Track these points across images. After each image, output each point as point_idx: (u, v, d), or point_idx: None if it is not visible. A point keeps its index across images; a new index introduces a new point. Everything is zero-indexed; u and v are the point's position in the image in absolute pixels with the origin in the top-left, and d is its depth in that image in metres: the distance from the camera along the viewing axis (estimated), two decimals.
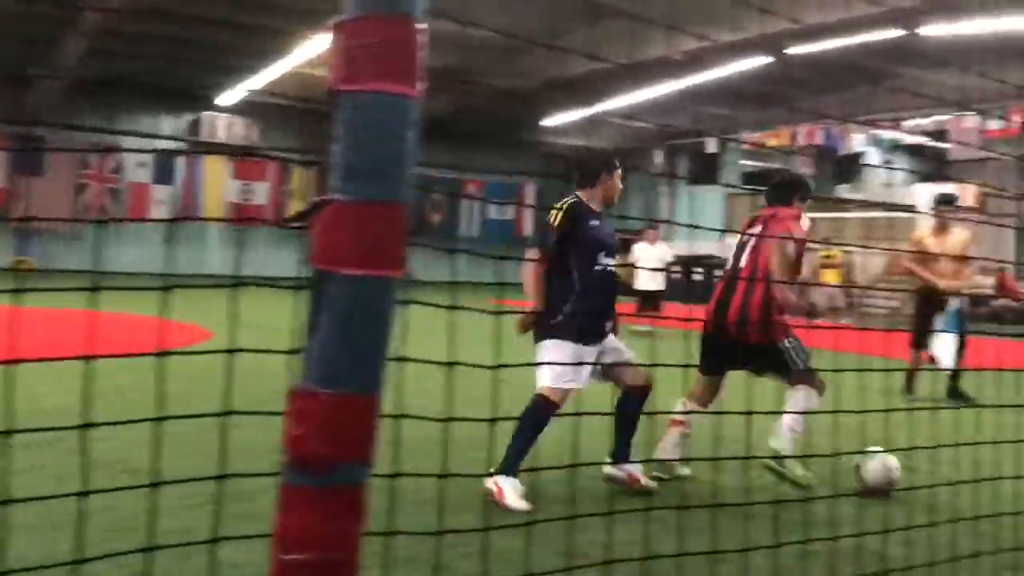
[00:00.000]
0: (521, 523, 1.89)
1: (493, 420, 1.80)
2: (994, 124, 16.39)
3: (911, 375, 8.03)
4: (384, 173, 1.29)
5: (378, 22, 1.31)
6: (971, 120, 16.90)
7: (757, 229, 5.19)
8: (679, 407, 4.94)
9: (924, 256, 8.05)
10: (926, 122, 18.62)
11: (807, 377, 4.84)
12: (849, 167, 22.98)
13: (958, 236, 8.35)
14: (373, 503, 1.39)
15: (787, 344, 4.91)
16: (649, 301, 13.55)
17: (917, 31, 14.18)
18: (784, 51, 15.93)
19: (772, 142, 20.89)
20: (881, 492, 4.49)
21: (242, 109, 23.56)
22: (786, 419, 4.75)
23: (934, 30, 14.16)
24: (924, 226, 8.57)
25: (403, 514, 3.74)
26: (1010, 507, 3.30)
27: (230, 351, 1.44)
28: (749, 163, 26.88)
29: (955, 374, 8.07)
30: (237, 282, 1.41)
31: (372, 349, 1.32)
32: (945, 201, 8.48)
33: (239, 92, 21.82)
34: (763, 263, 5.03)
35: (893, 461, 4.59)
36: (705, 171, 25.54)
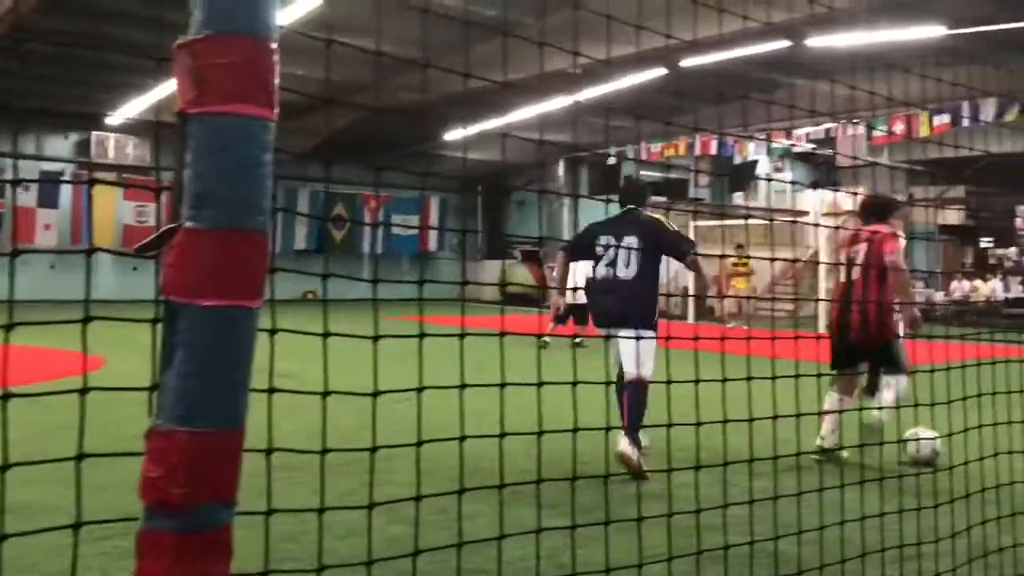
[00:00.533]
0: (408, 553, 1.86)
1: (373, 449, 1.75)
2: (879, 132, 17.07)
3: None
4: (238, 199, 1.24)
5: (230, 42, 1.25)
6: (856, 128, 17.56)
7: (862, 247, 5.87)
8: (827, 400, 5.74)
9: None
10: (816, 130, 19.25)
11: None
12: (743, 175, 23.64)
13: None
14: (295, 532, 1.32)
15: (898, 346, 5.69)
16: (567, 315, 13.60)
17: (804, 43, 14.66)
18: (678, 64, 16.26)
19: (669, 152, 21.28)
20: (929, 463, 5.19)
21: (133, 128, 22.76)
22: (886, 399, 5.65)
23: (819, 42, 14.67)
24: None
25: (295, 543, 3.67)
26: (895, 504, 3.40)
27: (82, 391, 1.36)
28: (649, 174, 27.33)
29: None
30: (87, 317, 1.33)
31: (232, 383, 1.26)
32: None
33: (129, 110, 21.09)
34: (874, 275, 5.71)
35: (934, 437, 5.32)
36: (606, 183, 25.87)
